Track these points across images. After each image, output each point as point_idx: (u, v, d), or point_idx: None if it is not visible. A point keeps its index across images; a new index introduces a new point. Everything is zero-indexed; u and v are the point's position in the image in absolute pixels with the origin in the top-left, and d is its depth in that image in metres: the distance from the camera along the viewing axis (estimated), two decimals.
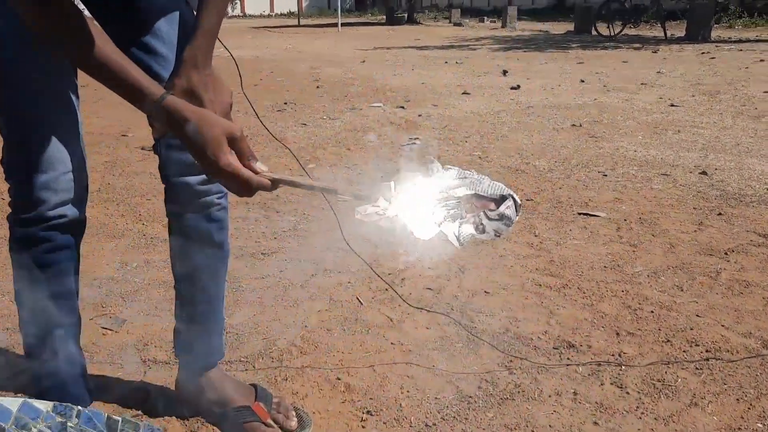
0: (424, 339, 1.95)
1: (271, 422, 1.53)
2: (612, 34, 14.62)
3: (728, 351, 1.85)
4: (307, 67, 9.85)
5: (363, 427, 1.57)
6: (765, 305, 2.14)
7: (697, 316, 2.07)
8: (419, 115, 5.72)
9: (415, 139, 4.79)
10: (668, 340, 1.92)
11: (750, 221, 2.94)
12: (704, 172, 3.76)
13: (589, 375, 1.75)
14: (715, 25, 14.42)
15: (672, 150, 4.35)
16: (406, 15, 23.97)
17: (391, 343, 1.93)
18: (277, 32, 19.55)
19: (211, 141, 1.10)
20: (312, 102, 6.56)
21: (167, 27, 1.36)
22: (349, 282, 2.36)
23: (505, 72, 8.68)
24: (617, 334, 1.97)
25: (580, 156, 4.24)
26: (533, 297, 2.23)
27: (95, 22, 1.20)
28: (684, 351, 1.86)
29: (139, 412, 1.64)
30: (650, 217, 3.03)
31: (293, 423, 1.54)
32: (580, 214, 3.10)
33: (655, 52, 11.24)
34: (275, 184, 1.16)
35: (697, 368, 1.77)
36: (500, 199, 0.91)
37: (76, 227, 1.36)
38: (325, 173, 3.93)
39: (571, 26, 17.37)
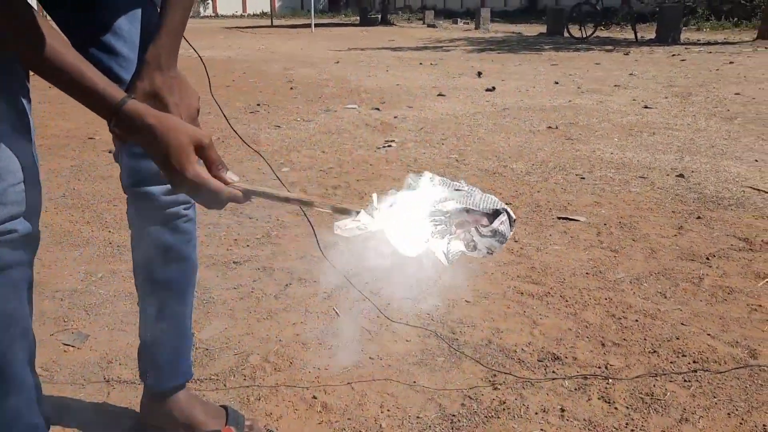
0: (405, 353, 1.87)
1: None
2: (584, 36, 14.74)
3: (716, 362, 1.81)
4: (280, 67, 9.73)
5: None
6: (749, 312, 2.10)
7: (682, 324, 2.03)
8: (395, 117, 5.65)
9: (391, 141, 4.71)
10: (655, 351, 1.86)
11: (729, 225, 2.92)
12: (681, 175, 3.75)
13: (575, 389, 1.68)
14: (683, 28, 14.62)
15: (648, 152, 4.34)
16: (379, 16, 23.94)
17: (370, 358, 1.85)
18: (249, 33, 19.35)
19: (176, 149, 1.00)
20: (285, 103, 6.45)
21: (129, 25, 1.26)
22: (325, 292, 2.27)
23: (479, 74, 8.66)
24: (602, 344, 1.91)
25: (557, 159, 4.20)
26: (515, 306, 2.17)
27: (49, 21, 1.10)
28: (671, 362, 1.81)
29: None
30: (630, 221, 3.00)
31: None
32: (559, 218, 3.05)
33: (627, 54, 11.33)
34: (247, 195, 1.07)
35: (685, 380, 1.72)
36: (493, 214, 0.84)
37: (28, 243, 1.25)
38: (300, 177, 3.83)
39: (543, 28, 17.49)
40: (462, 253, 0.87)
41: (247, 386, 1.73)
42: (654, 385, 1.69)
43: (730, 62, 9.59)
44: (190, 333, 1.48)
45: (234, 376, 1.78)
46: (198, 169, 1.01)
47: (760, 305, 2.15)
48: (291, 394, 1.69)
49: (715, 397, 1.64)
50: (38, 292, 2.31)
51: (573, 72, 8.86)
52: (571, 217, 3.05)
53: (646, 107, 6.06)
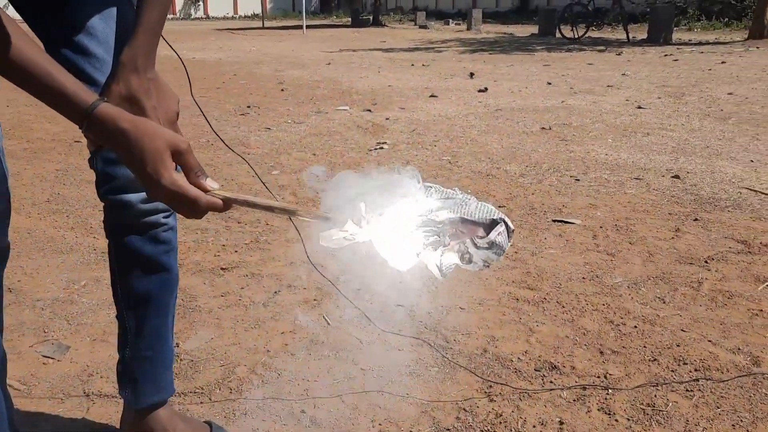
0: (397, 363, 1.81)
1: None
2: (576, 36, 14.72)
3: (718, 369, 1.75)
4: (271, 69, 9.65)
5: None
6: (750, 317, 2.05)
7: (682, 330, 1.97)
8: (386, 119, 5.59)
9: (383, 143, 4.65)
10: (655, 359, 1.81)
11: (727, 227, 2.87)
12: (677, 176, 3.70)
13: (574, 400, 1.62)
14: (674, 28, 14.62)
15: (643, 153, 4.30)
16: (371, 17, 23.88)
17: (361, 369, 1.78)
18: (240, 34, 19.25)
19: (151, 155, 0.94)
20: (276, 105, 6.38)
21: (103, 25, 1.20)
22: (315, 299, 2.21)
23: (472, 74, 8.61)
24: (601, 352, 1.85)
25: (551, 160, 4.15)
26: (511, 313, 2.11)
27: (14, 20, 1.03)
28: (672, 371, 1.75)
29: None
30: (626, 223, 2.94)
31: None
32: (554, 221, 2.99)
33: (619, 54, 11.31)
34: (228, 203, 1.00)
35: (687, 390, 1.66)
36: (490, 224, 0.78)
37: None
38: (291, 180, 3.76)
39: (534, 29, 17.47)
40: (456, 266, 0.81)
41: (233, 400, 1.66)
42: (655, 396, 1.63)
43: (722, 62, 9.58)
44: (171, 347, 1.41)
45: (219, 389, 1.72)
46: (175, 176, 0.94)
47: (761, 310, 2.10)
48: (278, 407, 1.63)
49: (718, 408, 1.58)
50: (18, 302, 2.23)
51: (565, 72, 8.82)
52: (566, 220, 2.99)
53: (639, 107, 6.02)
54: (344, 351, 1.88)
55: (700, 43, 13.15)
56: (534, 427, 1.53)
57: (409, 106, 6.24)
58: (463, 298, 2.20)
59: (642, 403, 1.60)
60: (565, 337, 1.94)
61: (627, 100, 6.45)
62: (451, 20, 23.19)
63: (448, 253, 0.79)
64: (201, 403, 1.66)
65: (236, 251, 2.69)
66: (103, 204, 1.29)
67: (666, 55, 10.80)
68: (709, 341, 1.91)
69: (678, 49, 11.98)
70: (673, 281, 2.32)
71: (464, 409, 1.59)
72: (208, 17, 34.34)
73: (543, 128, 5.14)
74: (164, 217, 1.29)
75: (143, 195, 1.23)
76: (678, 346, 1.88)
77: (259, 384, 1.73)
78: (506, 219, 0.78)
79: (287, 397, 1.67)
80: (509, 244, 0.78)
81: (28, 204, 3.31)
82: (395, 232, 0.83)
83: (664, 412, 1.57)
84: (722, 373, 1.74)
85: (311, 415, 1.58)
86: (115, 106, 0.97)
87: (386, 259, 0.84)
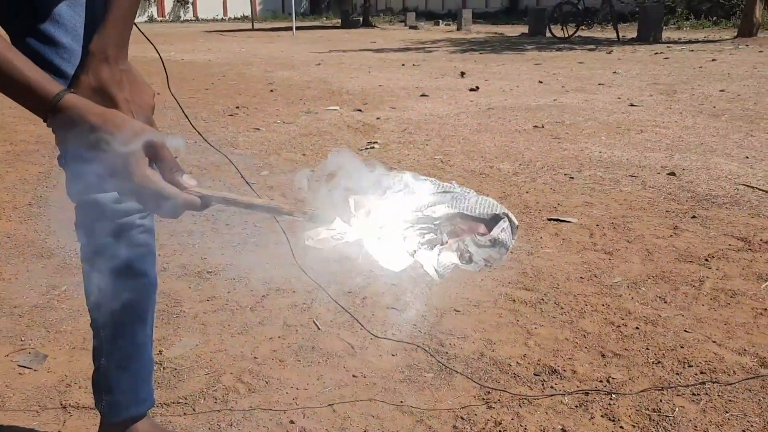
0: (390, 369, 1.73)
1: None
2: (566, 35, 14.70)
3: (724, 372, 1.68)
4: (260, 70, 9.55)
5: None
6: (755, 317, 1.98)
7: (686, 331, 1.90)
8: (377, 118, 5.51)
9: (374, 143, 4.57)
10: (658, 361, 1.74)
11: (725, 224, 2.81)
12: (672, 173, 3.64)
13: (576, 406, 1.55)
14: (663, 27, 14.63)
15: (637, 150, 4.24)
16: (361, 18, 23.80)
17: (353, 376, 1.70)
18: (230, 36, 19.13)
19: (122, 149, 0.86)
20: (265, 106, 6.29)
21: (71, 12, 1.11)
22: (304, 303, 2.13)
23: (462, 74, 8.55)
24: (602, 355, 1.78)
25: (544, 158, 4.09)
26: (508, 315, 2.03)
27: None
28: (677, 374, 1.68)
29: None
30: (623, 221, 2.88)
31: None
32: (550, 219, 2.93)
33: (609, 53, 11.28)
34: (206, 202, 0.92)
35: (693, 394, 1.59)
36: (492, 220, 0.70)
37: None
38: (280, 181, 3.68)
39: (525, 28, 17.44)
40: (455, 266, 0.73)
41: (218, 410, 1.58)
42: (661, 400, 1.56)
43: (713, 60, 9.57)
44: (150, 356, 1.32)
45: (204, 399, 1.63)
46: (148, 172, 0.86)
47: (766, 309, 2.03)
48: (266, 418, 1.54)
49: (727, 412, 1.51)
50: None
51: (556, 71, 8.78)
52: (561, 219, 2.92)
53: (632, 105, 5.97)
54: (335, 357, 1.80)
55: (689, 42, 13.16)
56: None
57: (400, 106, 6.17)
58: (458, 300, 2.13)
59: (647, 409, 1.53)
60: (565, 339, 1.87)
61: (619, 98, 6.40)
62: (441, 21, 23.16)
63: (445, 252, 0.72)
64: (184, 414, 1.57)
65: (223, 254, 2.60)
66: (73, 205, 1.21)
67: (656, 54, 10.78)
68: (714, 342, 1.84)
69: (668, 47, 11.97)
70: (673, 280, 2.26)
71: (461, 418, 1.52)
72: (197, 19, 34.16)
73: (535, 126, 5.07)
74: (140, 218, 1.21)
75: (116, 194, 1.15)
76: (682, 347, 1.81)
77: (245, 393, 1.64)
78: (510, 214, 0.71)
79: (275, 406, 1.58)
80: (513, 241, 0.71)
81: (9, 207, 3.21)
82: (388, 230, 0.75)
83: (671, 418, 1.50)
84: (729, 375, 1.67)
85: (301, 426, 1.50)
86: (83, 98, 0.89)
87: (378, 259, 0.76)
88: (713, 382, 1.63)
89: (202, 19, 33.86)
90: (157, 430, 1.35)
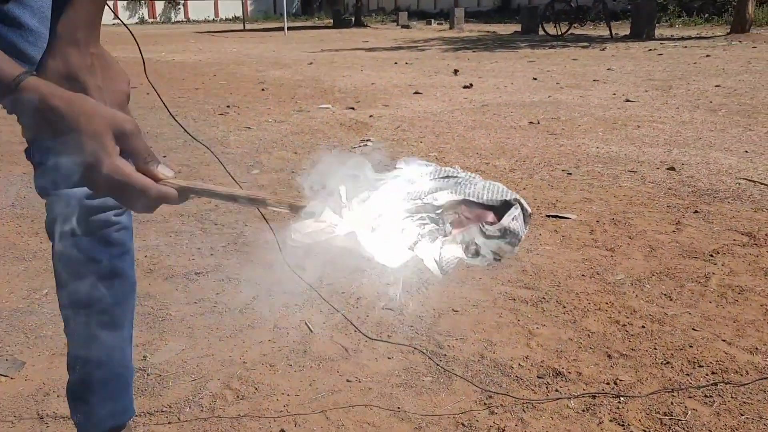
0: (386, 373, 1.64)
1: None
2: (559, 33, 14.66)
3: (736, 372, 1.60)
4: (252, 70, 9.45)
5: None
6: (765, 314, 1.91)
7: (694, 329, 1.83)
8: (370, 116, 5.43)
9: (367, 140, 4.49)
10: (667, 362, 1.66)
11: (729, 219, 2.74)
12: (672, 168, 3.57)
13: (583, 410, 1.47)
14: (656, 24, 14.60)
15: (635, 146, 4.17)
16: (353, 18, 23.70)
17: (347, 381, 1.61)
18: (221, 37, 19.00)
19: (89, 137, 0.77)
20: (257, 105, 6.19)
21: None
22: (296, 305, 2.04)
23: (456, 71, 8.47)
24: (608, 356, 1.70)
25: (541, 154, 4.01)
26: (508, 314, 1.95)
27: None
28: (687, 374, 1.60)
29: None
30: (623, 217, 2.80)
31: None
32: (548, 216, 2.85)
33: (603, 49, 11.23)
34: (184, 194, 0.83)
35: (706, 395, 1.51)
36: (501, 207, 0.62)
37: None
38: (271, 180, 3.58)
39: (517, 27, 17.39)
40: (459, 260, 0.65)
41: (205, 419, 1.49)
42: (672, 403, 1.48)
43: (707, 55, 9.53)
44: (129, 363, 1.23)
45: (190, 406, 1.54)
46: (118, 162, 0.77)
47: None
48: (256, 426, 1.46)
49: (742, 415, 1.44)
50: None
51: (550, 68, 8.71)
52: (560, 215, 2.85)
53: (627, 101, 5.91)
54: (328, 361, 1.71)
55: (682, 38, 13.13)
56: None
57: (393, 104, 6.08)
58: (456, 299, 2.05)
59: (658, 412, 1.45)
60: (569, 339, 1.79)
61: (614, 94, 6.34)
62: (433, 20, 23.09)
63: (449, 244, 0.63)
64: (169, 423, 1.48)
65: (212, 254, 2.51)
66: (44, 201, 1.12)
67: (650, 50, 10.74)
68: (724, 341, 1.76)
69: (661, 44, 11.93)
70: (678, 277, 2.18)
71: (462, 424, 1.43)
72: (188, 20, 33.97)
73: (531, 123, 5.00)
74: (115, 215, 1.12)
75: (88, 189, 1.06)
76: (691, 347, 1.73)
77: (233, 400, 1.55)
78: (522, 200, 0.62)
79: (265, 414, 1.50)
80: (526, 231, 0.62)
81: None
82: (384, 221, 0.67)
83: (683, 422, 1.42)
84: (741, 375, 1.59)
85: None
86: (47, 82, 0.80)
87: (373, 254, 0.68)
88: (726, 383, 1.56)
89: (194, 21, 33.67)
90: None
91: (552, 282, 2.17)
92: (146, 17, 33.36)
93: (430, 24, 22.03)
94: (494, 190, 0.63)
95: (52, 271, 2.41)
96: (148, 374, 1.68)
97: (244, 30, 22.70)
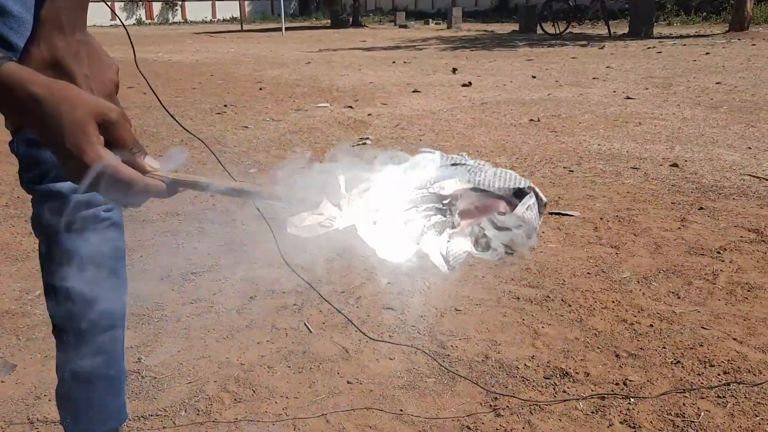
0: (388, 374, 1.59)
1: None
2: (557, 32, 14.62)
3: (749, 371, 1.56)
4: (249, 69, 9.40)
5: None
6: None
7: (703, 328, 1.78)
8: (369, 114, 5.38)
9: (366, 138, 4.44)
10: (678, 361, 1.61)
11: (735, 215, 2.69)
12: (675, 164, 3.53)
13: (593, 412, 1.42)
14: (654, 23, 14.57)
15: (636, 142, 4.12)
16: (350, 18, 23.66)
17: (348, 382, 1.57)
18: (218, 37, 18.95)
19: (71, 126, 0.72)
20: (254, 104, 6.14)
21: None
22: (295, 304, 1.99)
23: (454, 70, 8.42)
24: (617, 355, 1.65)
25: (542, 151, 3.96)
26: (512, 313, 1.90)
27: None
28: (699, 374, 1.55)
29: None
30: (628, 214, 2.76)
31: None
32: (551, 213, 2.80)
33: (602, 48, 11.19)
34: (173, 187, 0.79)
35: (719, 396, 1.46)
36: (515, 196, 0.57)
37: None
38: (269, 179, 3.54)
39: (515, 26, 17.36)
40: (468, 254, 0.60)
41: (201, 423, 1.44)
42: (684, 404, 1.43)
43: (707, 53, 9.49)
44: (121, 365, 1.18)
45: (185, 410, 1.49)
46: (102, 152, 0.73)
47: None
48: (253, 430, 1.41)
49: (757, 416, 1.39)
50: None
51: (549, 66, 8.67)
52: (563, 212, 2.80)
53: (628, 98, 5.86)
54: (328, 362, 1.67)
55: (681, 36, 13.10)
56: None
57: (392, 102, 6.03)
58: (459, 298, 2.00)
59: (670, 414, 1.40)
60: (575, 339, 1.74)
61: (614, 92, 6.29)
62: (431, 20, 23.05)
63: (457, 237, 0.58)
64: (163, 427, 1.43)
65: (209, 254, 2.46)
66: (30, 196, 1.07)
67: (649, 48, 10.70)
68: (735, 339, 1.71)
69: (660, 42, 11.89)
70: (685, 274, 2.13)
71: (467, 427, 1.38)
72: (186, 21, 33.91)
73: (531, 120, 4.95)
74: (105, 211, 1.07)
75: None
76: (701, 345, 1.68)
77: (230, 403, 1.50)
78: (536, 188, 0.57)
79: (263, 417, 1.45)
80: (540, 221, 0.57)
81: None
82: (386, 213, 0.62)
83: (697, 423, 1.37)
84: (755, 375, 1.54)
85: None
86: (27, 68, 0.75)
87: (375, 249, 0.63)
88: (738, 383, 1.51)
89: (191, 22, 33.61)
90: None
91: (556, 280, 2.12)
92: (143, 18, 33.31)
93: (428, 24, 21.99)
94: (506, 178, 0.58)
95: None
96: (142, 376, 1.63)
97: (241, 30, 22.65)
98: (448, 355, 1.67)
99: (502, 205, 0.57)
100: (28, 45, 0.93)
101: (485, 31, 17.81)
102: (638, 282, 2.09)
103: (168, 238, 2.64)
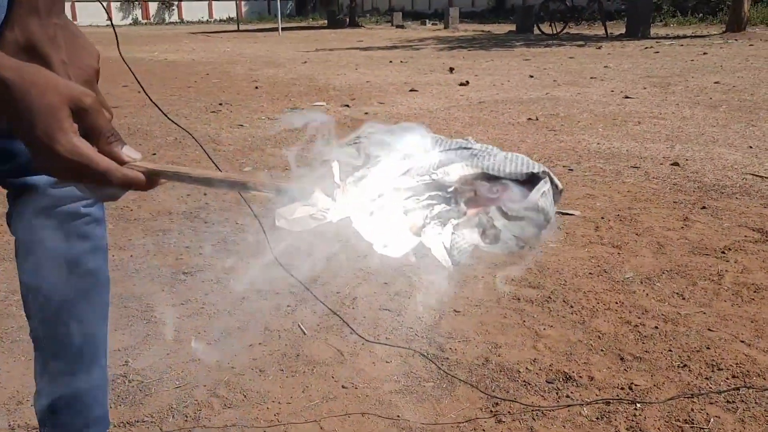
0: (384, 378, 1.53)
1: None
2: (554, 32, 14.59)
3: (759, 375, 1.50)
4: (245, 69, 9.33)
5: None
6: None
7: (710, 330, 1.72)
8: (365, 113, 5.32)
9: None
10: (684, 365, 1.55)
11: (738, 214, 2.64)
12: (676, 163, 3.47)
13: (597, 418, 1.36)
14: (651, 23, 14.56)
15: (636, 141, 4.07)
16: (347, 19, 23.61)
17: (343, 387, 1.50)
18: (215, 37, 18.87)
19: (42, 113, 0.66)
20: (249, 103, 6.07)
21: None
22: (288, 306, 1.93)
23: (451, 69, 8.37)
24: (621, 359, 1.59)
25: (541, 150, 3.91)
26: (513, 315, 1.84)
27: None
28: (706, 378, 1.50)
29: None
30: (629, 213, 2.70)
31: None
32: None
33: (599, 48, 11.16)
34: (154, 178, 0.72)
35: (728, 401, 1.41)
36: (527, 181, 0.51)
37: None
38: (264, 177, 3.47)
39: (512, 27, 17.32)
40: (475, 248, 0.54)
41: (189, 429, 1.38)
42: (692, 409, 1.38)
43: (704, 53, 9.46)
44: (102, 371, 1.12)
45: (173, 416, 1.43)
46: (75, 141, 0.66)
47: None
48: None
49: None
50: None
51: (547, 66, 8.62)
52: (564, 211, 2.74)
53: (626, 97, 5.82)
54: (322, 365, 1.60)
55: (678, 37, 13.07)
56: None
57: (389, 101, 5.98)
58: (458, 299, 1.94)
59: (678, 419, 1.34)
60: (578, 341, 1.68)
61: (612, 91, 6.25)
62: (427, 20, 23.01)
63: (463, 228, 0.52)
64: None
65: (201, 253, 2.39)
66: (5, 191, 1.01)
67: (646, 48, 10.67)
68: (743, 342, 1.66)
69: (657, 42, 11.86)
70: (690, 275, 2.08)
71: None
72: (182, 21, 33.80)
73: (529, 119, 4.90)
74: (84, 206, 1.01)
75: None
76: (708, 348, 1.63)
77: (220, 409, 1.44)
78: (550, 173, 0.51)
79: (254, 423, 1.39)
80: (555, 210, 0.52)
81: None
82: (384, 202, 0.56)
83: (706, 430, 1.31)
84: (764, 379, 1.49)
85: None
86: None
87: (372, 243, 0.57)
88: (748, 388, 1.45)
89: (188, 21, 33.51)
90: None
91: (558, 280, 2.07)
92: (140, 18, 33.20)
93: (425, 24, 21.95)
94: (518, 162, 0.52)
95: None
96: (129, 381, 1.57)
97: (238, 30, 22.58)
98: (447, 358, 1.61)
99: (513, 191, 0.51)
100: (2, 28, 0.87)
101: (482, 31, 17.77)
102: (641, 282, 2.03)
103: (159, 236, 2.57)
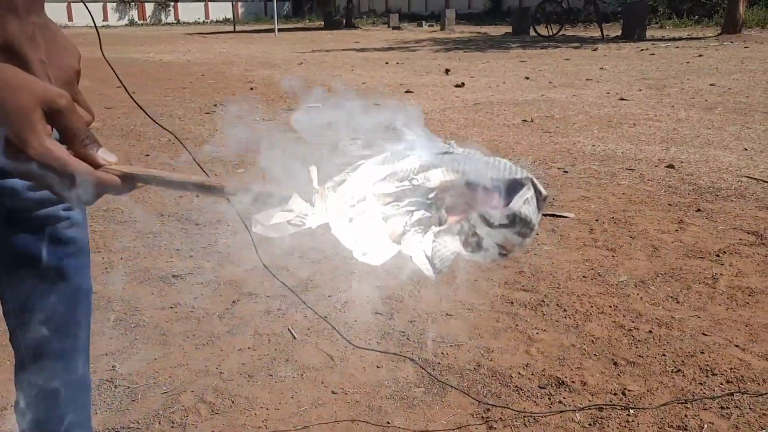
0: (375, 384, 1.51)
1: None
2: (550, 34, 14.60)
3: (753, 380, 1.48)
4: (241, 69, 9.30)
5: None
6: None
7: (704, 334, 1.71)
8: None
9: (357, 138, 4.35)
10: (678, 370, 1.54)
11: (734, 217, 2.62)
12: (671, 166, 3.46)
13: (590, 424, 1.34)
14: (647, 26, 14.57)
15: (631, 143, 4.06)
16: (344, 20, 23.59)
17: (333, 392, 1.48)
18: (211, 38, 18.84)
19: (14, 114, 0.64)
20: (245, 104, 6.04)
21: None
22: (279, 309, 1.91)
23: (447, 71, 8.36)
24: (615, 363, 1.57)
25: (536, 152, 3.89)
26: (506, 319, 1.82)
27: None
28: (700, 383, 1.48)
29: None
30: (623, 216, 2.69)
31: None
32: (545, 215, 2.72)
33: (595, 50, 11.16)
34: (129, 181, 0.70)
35: (722, 407, 1.39)
36: (510, 188, 0.49)
37: None
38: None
39: (508, 29, 17.33)
40: (457, 256, 0.52)
41: None
42: (686, 415, 1.36)
43: (700, 55, 9.47)
44: (85, 378, 1.10)
45: (159, 422, 1.41)
46: (48, 143, 0.65)
47: None
48: None
49: (762, 428, 1.31)
50: None
51: (543, 68, 8.62)
52: (558, 214, 2.73)
53: (622, 99, 5.81)
54: (312, 370, 1.58)
55: (673, 39, 13.08)
56: None
57: (384, 103, 5.95)
58: (450, 302, 1.92)
59: (671, 425, 1.33)
60: (571, 345, 1.67)
61: (608, 93, 6.24)
62: (424, 22, 23.01)
63: (444, 236, 0.50)
64: None
65: (191, 256, 2.37)
66: None
67: (642, 50, 10.67)
68: (737, 346, 1.64)
69: (653, 44, 11.87)
70: (684, 278, 2.06)
71: None
72: (178, 22, 33.75)
73: (525, 121, 4.89)
74: (64, 210, 0.99)
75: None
76: (702, 353, 1.61)
77: (207, 415, 1.42)
78: (534, 179, 0.50)
79: (242, 430, 1.36)
80: (540, 217, 0.50)
81: None
82: (363, 208, 0.54)
83: None
84: (759, 384, 1.47)
85: None
86: None
87: (351, 250, 0.55)
88: (742, 393, 1.43)
89: (184, 22, 33.45)
90: None
91: (551, 284, 2.05)
92: (136, 19, 33.13)
93: (421, 26, 21.95)
94: (500, 167, 0.50)
95: None
96: (115, 386, 1.55)
97: (234, 32, 22.54)
98: (439, 363, 1.59)
99: (495, 198, 0.49)
100: None
101: (478, 33, 17.78)
102: (636, 286, 2.02)
103: (149, 239, 2.55)
